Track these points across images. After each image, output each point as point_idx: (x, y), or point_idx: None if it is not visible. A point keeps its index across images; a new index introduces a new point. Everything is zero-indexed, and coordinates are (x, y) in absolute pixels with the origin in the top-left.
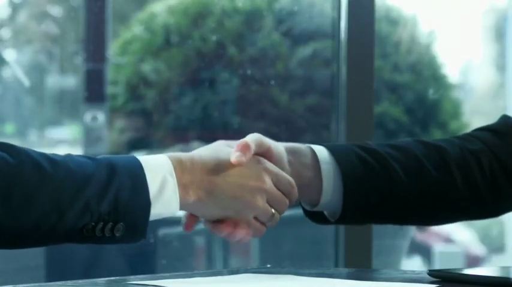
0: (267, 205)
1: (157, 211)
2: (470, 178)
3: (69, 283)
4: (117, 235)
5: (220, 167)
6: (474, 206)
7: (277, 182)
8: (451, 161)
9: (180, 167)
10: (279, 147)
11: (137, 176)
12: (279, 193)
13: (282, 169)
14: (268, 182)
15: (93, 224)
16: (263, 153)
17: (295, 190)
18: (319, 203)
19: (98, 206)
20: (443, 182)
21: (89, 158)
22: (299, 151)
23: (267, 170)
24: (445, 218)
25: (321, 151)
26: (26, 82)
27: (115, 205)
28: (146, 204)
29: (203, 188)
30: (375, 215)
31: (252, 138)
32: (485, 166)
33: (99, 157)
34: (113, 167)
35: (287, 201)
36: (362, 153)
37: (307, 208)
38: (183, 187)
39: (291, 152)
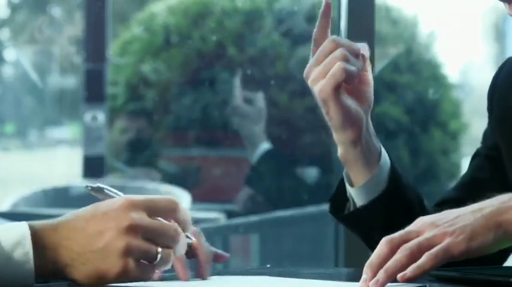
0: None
1: (7, 277)
2: None
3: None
4: None
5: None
6: None
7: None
8: None
9: (35, 232)
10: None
11: None
12: (156, 223)
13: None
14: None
15: None
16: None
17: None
18: (365, 179)
19: None
20: None
21: None
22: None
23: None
24: None
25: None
26: (28, 82)
27: None
28: None
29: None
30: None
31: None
32: None
33: None
34: None
35: (176, 229)
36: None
37: (349, 183)
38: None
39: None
